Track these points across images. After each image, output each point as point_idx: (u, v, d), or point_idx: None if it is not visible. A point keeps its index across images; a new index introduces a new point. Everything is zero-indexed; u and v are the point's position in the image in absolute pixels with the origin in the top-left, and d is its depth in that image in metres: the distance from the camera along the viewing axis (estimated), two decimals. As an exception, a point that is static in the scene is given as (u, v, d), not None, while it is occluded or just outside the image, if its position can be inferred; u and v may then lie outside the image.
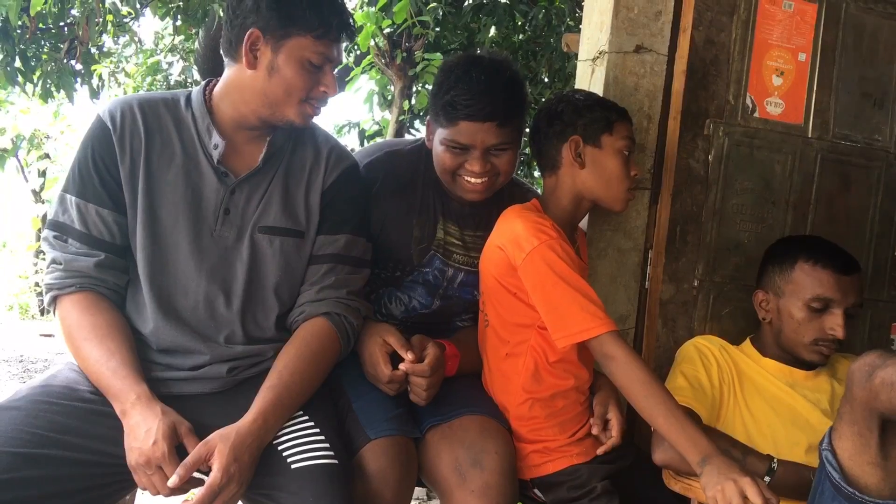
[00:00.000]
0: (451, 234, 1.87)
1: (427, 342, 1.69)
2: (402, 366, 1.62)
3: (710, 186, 2.05)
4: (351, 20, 1.65)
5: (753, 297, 1.89)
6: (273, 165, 1.64)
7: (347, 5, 1.62)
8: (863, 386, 1.29)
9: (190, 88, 1.70)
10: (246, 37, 1.54)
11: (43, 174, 10.20)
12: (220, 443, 1.37)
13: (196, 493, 1.36)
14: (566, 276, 1.59)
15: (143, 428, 1.37)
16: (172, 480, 1.34)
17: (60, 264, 1.53)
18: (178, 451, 1.39)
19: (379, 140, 1.93)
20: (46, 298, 1.57)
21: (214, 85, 1.65)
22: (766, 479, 1.61)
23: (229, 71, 1.61)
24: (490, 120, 1.67)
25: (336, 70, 1.64)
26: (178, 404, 1.46)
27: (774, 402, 1.80)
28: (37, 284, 9.67)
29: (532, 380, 1.71)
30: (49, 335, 6.97)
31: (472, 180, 1.73)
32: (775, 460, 1.64)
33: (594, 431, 1.70)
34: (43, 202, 10.31)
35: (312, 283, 1.64)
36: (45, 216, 12.72)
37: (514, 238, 1.66)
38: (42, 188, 10.24)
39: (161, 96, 1.65)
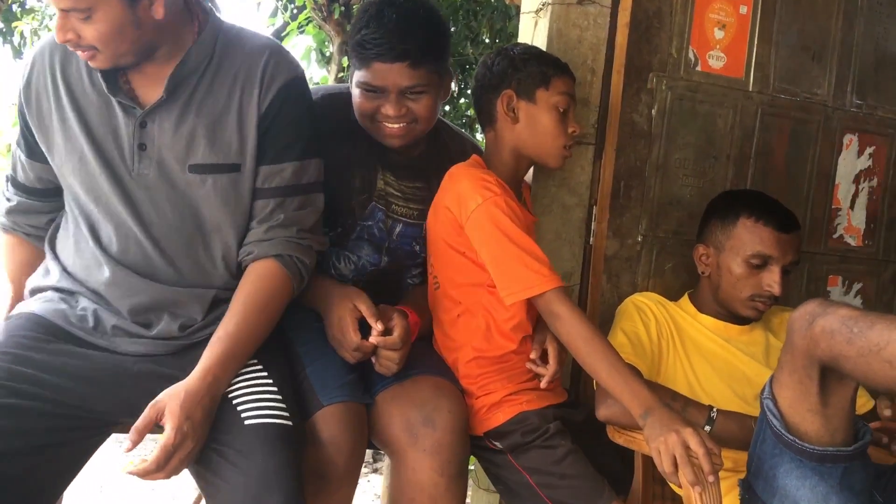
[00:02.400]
0: (391, 184, 1.81)
1: (393, 312, 1.64)
2: (372, 338, 1.57)
3: (653, 141, 2.04)
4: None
5: (694, 250, 1.90)
6: (188, 91, 1.49)
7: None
8: (803, 334, 1.29)
9: None
10: None
11: (-34, 137, 9.74)
12: (171, 402, 1.33)
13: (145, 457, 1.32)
14: (511, 233, 1.58)
15: None
16: (127, 446, 1.29)
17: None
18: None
19: (328, 85, 1.83)
20: None
21: None
22: (707, 427, 1.63)
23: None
24: (401, 60, 1.61)
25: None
26: (134, 367, 1.46)
27: (712, 357, 1.82)
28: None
29: (483, 339, 1.70)
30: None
31: (389, 125, 1.68)
32: (714, 409, 1.66)
33: (532, 356, 1.70)
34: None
35: (260, 221, 1.54)
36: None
37: (459, 196, 1.64)
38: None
39: None
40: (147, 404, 1.34)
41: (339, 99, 1.80)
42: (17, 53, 6.61)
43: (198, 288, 1.53)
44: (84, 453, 1.44)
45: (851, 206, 2.29)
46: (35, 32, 6.91)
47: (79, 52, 1.42)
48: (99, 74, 1.47)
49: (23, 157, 1.59)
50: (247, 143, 1.51)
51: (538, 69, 1.71)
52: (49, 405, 1.35)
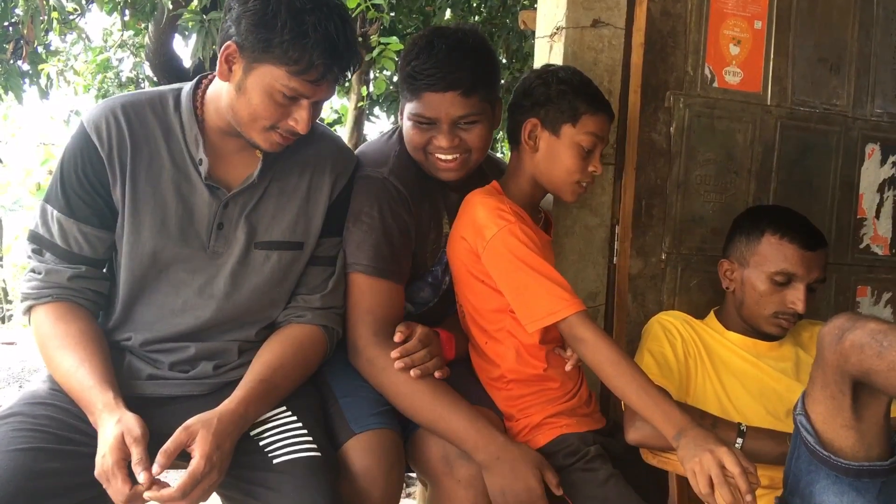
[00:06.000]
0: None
1: (413, 325, 1.65)
2: (393, 353, 1.56)
3: (673, 159, 2.05)
4: (350, 63, 1.48)
5: (719, 265, 1.89)
6: (266, 175, 1.57)
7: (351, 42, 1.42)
8: (833, 349, 1.29)
9: (181, 85, 1.60)
10: (223, 47, 1.45)
11: (-5, 179, 9.95)
12: (203, 429, 1.34)
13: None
14: (529, 260, 1.58)
15: (101, 440, 1.34)
16: (154, 469, 1.30)
17: (39, 274, 1.51)
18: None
19: (367, 142, 1.75)
20: (23, 307, 1.54)
21: (209, 82, 1.56)
22: (739, 440, 1.63)
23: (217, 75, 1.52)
24: (452, 89, 1.60)
25: (325, 101, 1.54)
26: (168, 407, 1.47)
27: (741, 375, 1.81)
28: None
29: (515, 362, 1.70)
30: (11, 343, 6.81)
31: (443, 157, 1.66)
32: (743, 425, 1.66)
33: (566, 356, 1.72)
34: (-3, 208, 10.09)
35: (314, 289, 1.60)
36: (-1, 222, 12.47)
37: (476, 226, 1.65)
38: (-5, 193, 9.99)
39: (148, 98, 1.56)
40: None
41: (403, 154, 1.75)
42: (44, 94, 6.74)
43: (238, 342, 1.57)
44: None
45: (877, 216, 2.28)
46: (61, 73, 7.05)
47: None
48: (190, 157, 1.52)
49: (86, 229, 1.49)
50: (312, 223, 1.60)
51: (570, 104, 1.68)
52: (93, 448, 1.38)
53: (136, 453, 1.31)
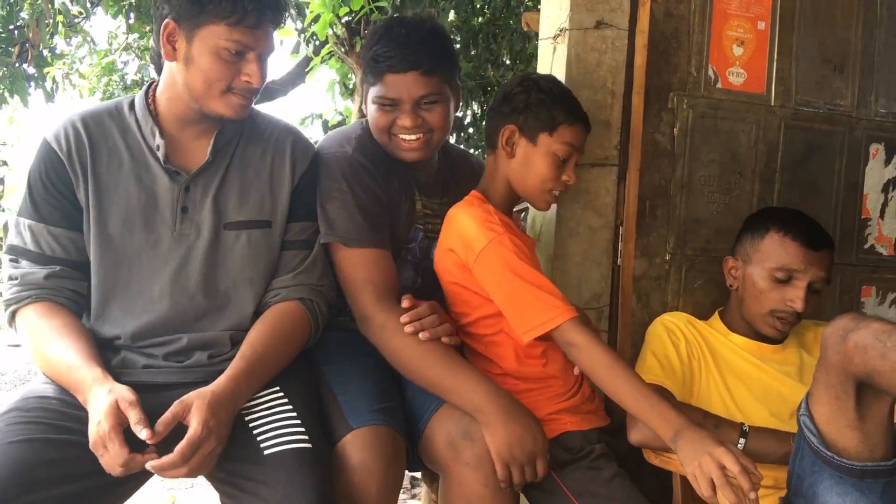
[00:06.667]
0: (426, 205, 1.85)
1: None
2: (403, 318, 1.60)
3: (676, 160, 2.05)
4: (280, 7, 1.57)
5: (724, 262, 1.90)
6: (225, 157, 1.62)
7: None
8: (837, 350, 1.29)
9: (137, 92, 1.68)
10: (162, 28, 1.51)
11: (1, 182, 9.98)
12: (198, 399, 1.37)
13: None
14: (520, 271, 1.60)
15: (94, 410, 1.36)
16: (147, 434, 1.31)
17: (16, 279, 1.55)
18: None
19: (337, 130, 1.81)
20: (7, 315, 1.57)
21: (157, 85, 1.63)
22: (742, 441, 1.63)
23: (165, 66, 1.59)
24: (413, 69, 1.67)
25: (270, 55, 1.59)
26: (163, 393, 1.47)
27: (745, 377, 1.81)
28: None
29: (515, 363, 1.71)
30: (17, 345, 6.84)
31: (406, 137, 1.72)
32: (746, 425, 1.65)
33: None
34: (3, 210, 10.13)
35: (289, 270, 1.64)
36: (6, 224, 12.53)
37: (464, 238, 1.66)
38: (0, 196, 10.03)
39: (105, 107, 1.64)
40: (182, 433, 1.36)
41: (366, 136, 1.81)
42: (49, 97, 6.78)
43: (228, 331, 1.59)
44: (131, 480, 1.46)
45: (881, 216, 2.27)
46: (66, 76, 7.08)
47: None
48: (148, 147, 1.57)
49: (56, 231, 1.54)
50: (278, 203, 1.65)
51: (549, 113, 1.70)
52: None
53: (133, 415, 1.33)
